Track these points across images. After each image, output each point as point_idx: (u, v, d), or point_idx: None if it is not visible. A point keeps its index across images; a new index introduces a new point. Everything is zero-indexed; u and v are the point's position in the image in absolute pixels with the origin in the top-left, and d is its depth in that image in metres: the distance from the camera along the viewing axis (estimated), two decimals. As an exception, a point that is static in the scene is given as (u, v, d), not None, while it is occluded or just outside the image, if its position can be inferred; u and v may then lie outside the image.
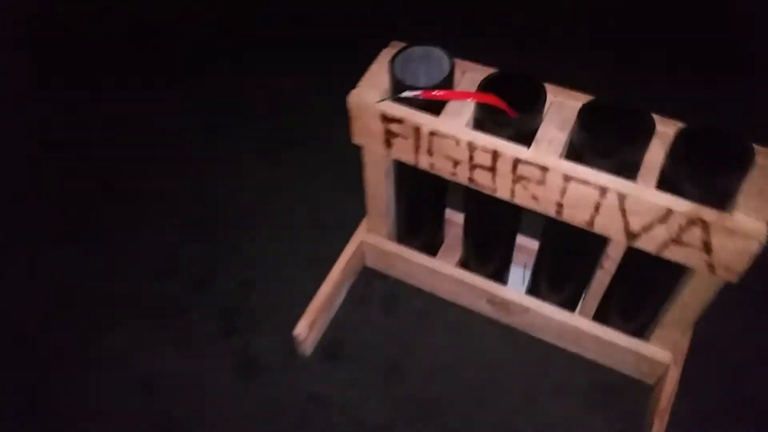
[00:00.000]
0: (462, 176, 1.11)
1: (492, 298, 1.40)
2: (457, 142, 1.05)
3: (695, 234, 0.96)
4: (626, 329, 1.31)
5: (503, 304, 1.39)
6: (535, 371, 1.38)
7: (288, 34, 2.14)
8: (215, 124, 1.88)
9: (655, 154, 1.01)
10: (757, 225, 0.92)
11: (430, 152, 1.10)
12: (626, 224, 1.02)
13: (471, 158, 1.07)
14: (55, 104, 1.96)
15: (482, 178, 1.09)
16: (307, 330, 1.36)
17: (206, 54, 2.09)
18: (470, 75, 1.14)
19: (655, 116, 1.02)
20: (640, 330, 1.30)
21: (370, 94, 1.10)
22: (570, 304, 1.37)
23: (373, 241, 1.46)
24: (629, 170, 1.00)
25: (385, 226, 1.41)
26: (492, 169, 1.06)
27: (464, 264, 1.44)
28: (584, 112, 0.99)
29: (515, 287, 1.45)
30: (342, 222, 1.56)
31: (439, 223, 1.44)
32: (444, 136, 1.05)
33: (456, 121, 1.07)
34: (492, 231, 1.31)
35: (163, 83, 2.00)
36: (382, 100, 1.07)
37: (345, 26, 2.13)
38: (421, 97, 1.05)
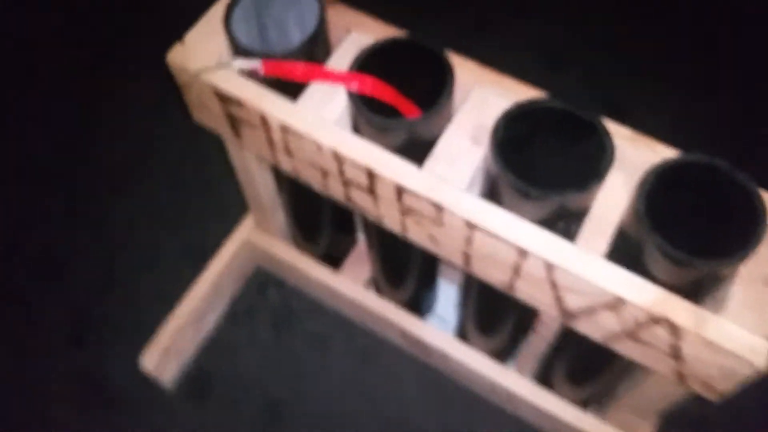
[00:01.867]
0: (335, 192, 0.75)
1: (406, 334, 1.04)
2: (318, 146, 0.68)
3: (659, 335, 0.60)
4: (573, 397, 0.96)
5: (421, 344, 1.04)
6: (455, 423, 1.04)
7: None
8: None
9: (613, 196, 0.64)
10: (752, 343, 0.55)
11: (288, 152, 0.73)
12: (558, 300, 0.65)
13: (341, 172, 0.69)
14: None
15: (362, 200, 0.72)
16: (158, 359, 1.03)
17: None
18: (359, 36, 0.75)
19: (620, 129, 0.64)
20: (592, 401, 0.95)
21: (202, 53, 0.72)
22: (505, 354, 1.02)
23: (261, 241, 1.10)
24: (570, 219, 0.63)
25: (273, 223, 1.05)
26: (371, 192, 0.69)
27: (375, 282, 1.09)
28: (508, 118, 0.61)
29: (441, 317, 1.10)
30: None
31: (344, 222, 1.08)
32: (299, 135, 0.68)
33: (320, 111, 0.70)
34: (405, 251, 0.94)
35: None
36: (206, 69, 0.70)
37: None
38: (261, 73, 0.67)
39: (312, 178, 0.76)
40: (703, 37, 1.46)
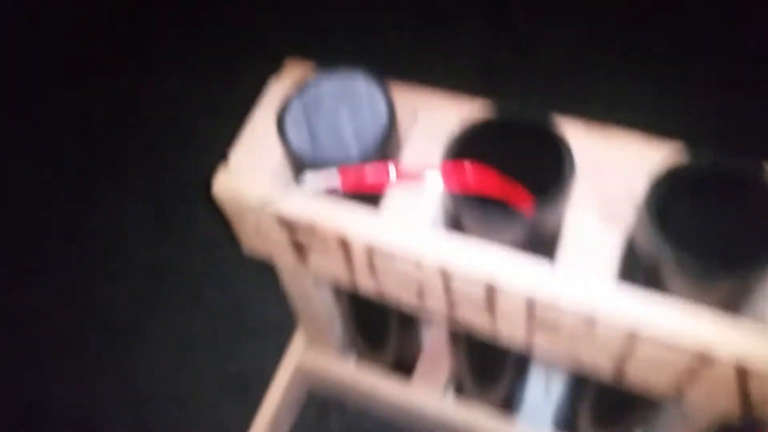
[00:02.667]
0: (436, 311, 0.62)
1: (502, 442, 0.90)
2: (418, 264, 0.55)
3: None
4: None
5: (520, 451, 0.89)
6: None
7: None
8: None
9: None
10: None
11: (372, 273, 0.60)
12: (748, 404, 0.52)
13: (448, 290, 0.56)
14: None
15: (473, 315, 0.59)
16: None
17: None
18: (428, 119, 0.63)
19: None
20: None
21: (250, 178, 0.60)
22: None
23: (316, 361, 0.96)
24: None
25: (329, 338, 0.91)
26: (489, 309, 0.56)
27: (458, 382, 0.95)
28: (660, 186, 0.50)
29: (533, 406, 0.96)
30: (279, 318, 1.07)
31: (411, 326, 0.94)
32: (392, 253, 0.55)
33: (409, 219, 0.57)
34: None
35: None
36: (269, 199, 0.57)
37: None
38: (337, 188, 0.55)
39: (403, 299, 0.62)
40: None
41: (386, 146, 0.58)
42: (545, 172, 0.55)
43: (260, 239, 0.64)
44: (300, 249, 0.62)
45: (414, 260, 0.55)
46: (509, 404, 0.91)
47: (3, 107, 1.47)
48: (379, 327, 0.87)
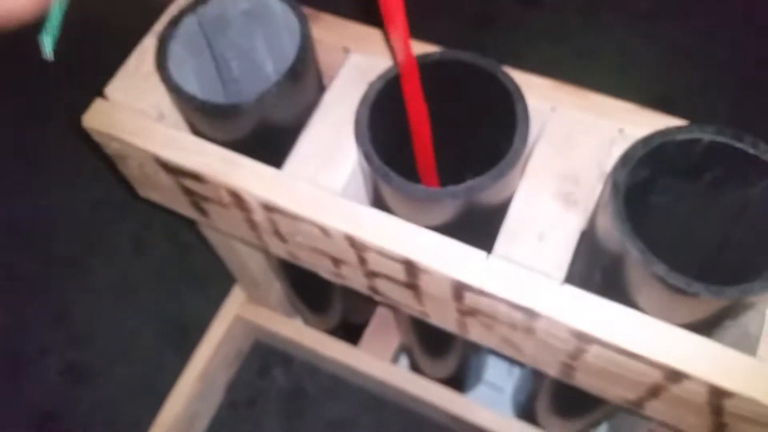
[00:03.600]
0: (355, 282, 0.51)
1: (455, 418, 0.81)
2: (324, 231, 0.43)
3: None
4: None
5: (475, 429, 0.81)
6: None
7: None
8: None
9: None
10: None
11: (279, 236, 0.49)
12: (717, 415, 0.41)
13: (363, 261, 0.45)
14: None
15: (397, 295, 0.48)
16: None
17: None
18: (362, 57, 0.50)
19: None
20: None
21: (133, 110, 0.48)
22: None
23: (256, 317, 0.86)
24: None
25: (269, 297, 0.81)
26: (412, 287, 0.45)
27: (409, 352, 0.85)
28: (631, 165, 0.38)
29: (492, 385, 0.87)
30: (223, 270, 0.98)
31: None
32: (292, 215, 0.44)
33: (318, 181, 0.45)
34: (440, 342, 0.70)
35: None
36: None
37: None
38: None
39: (318, 266, 0.51)
40: None
41: (296, 80, 0.45)
42: (493, 133, 0.43)
43: (150, 186, 0.53)
44: (196, 201, 0.51)
45: (319, 226, 0.44)
46: (464, 380, 0.82)
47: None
48: (320, 292, 0.77)
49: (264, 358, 0.95)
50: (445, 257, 0.41)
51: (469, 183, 0.39)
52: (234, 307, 0.87)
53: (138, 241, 1.06)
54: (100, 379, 0.96)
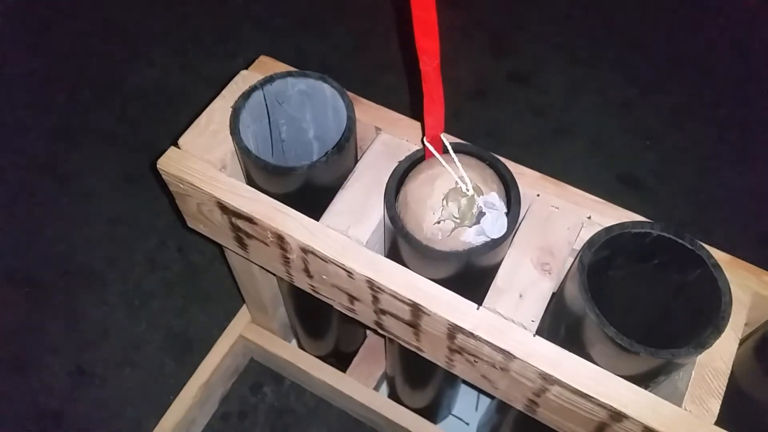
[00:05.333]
0: (364, 317, 0.62)
1: (427, 444, 0.91)
2: (349, 274, 0.55)
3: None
4: None
5: (442, 455, 0.91)
6: None
7: None
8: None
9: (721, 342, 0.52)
10: None
11: (308, 273, 0.60)
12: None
13: (376, 300, 0.56)
14: None
15: (400, 331, 0.60)
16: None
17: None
18: (389, 137, 0.62)
19: (716, 252, 0.53)
20: None
21: (200, 160, 0.59)
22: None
23: (257, 338, 0.97)
24: (669, 371, 0.51)
25: (272, 320, 0.92)
26: (414, 326, 0.57)
27: (391, 382, 0.95)
28: (595, 247, 0.50)
29: (460, 420, 0.97)
30: (231, 289, 1.09)
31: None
32: (325, 259, 0.55)
33: (347, 232, 0.57)
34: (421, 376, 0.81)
35: None
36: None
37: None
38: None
39: (335, 300, 0.62)
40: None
41: (346, 146, 0.57)
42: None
43: (203, 219, 0.63)
44: (240, 236, 0.62)
45: (346, 269, 0.55)
46: (435, 412, 0.92)
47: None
48: (320, 321, 0.87)
49: (257, 376, 1.05)
50: (445, 304, 0.52)
51: (471, 248, 0.50)
52: (239, 326, 0.97)
53: (152, 259, 1.16)
54: (105, 382, 1.05)
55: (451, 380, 0.86)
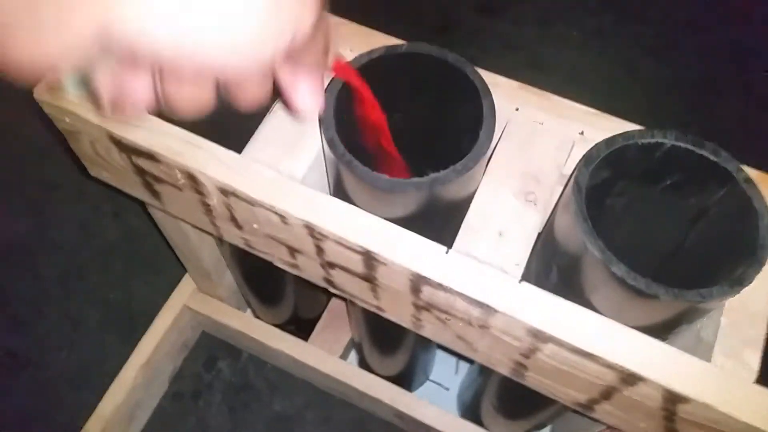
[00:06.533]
0: (311, 273, 0.50)
1: (400, 414, 0.81)
2: (283, 219, 0.42)
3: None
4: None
5: (420, 426, 0.80)
6: None
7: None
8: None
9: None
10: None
11: (235, 222, 0.48)
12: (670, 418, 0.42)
13: (321, 251, 0.44)
14: None
15: (354, 288, 0.48)
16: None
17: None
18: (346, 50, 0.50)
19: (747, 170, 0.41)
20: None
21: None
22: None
23: (205, 308, 0.85)
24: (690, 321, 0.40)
25: (218, 288, 0.80)
26: (369, 280, 0.45)
27: (359, 349, 0.85)
28: (593, 167, 0.38)
29: (439, 384, 0.87)
30: (173, 258, 0.96)
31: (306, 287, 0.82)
32: (250, 200, 0.43)
33: (278, 168, 0.45)
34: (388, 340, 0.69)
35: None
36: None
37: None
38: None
39: (273, 256, 0.50)
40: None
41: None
42: (457, 129, 0.43)
43: (104, 164, 0.51)
44: (149, 182, 0.49)
45: (278, 213, 0.43)
46: (411, 378, 0.82)
47: None
48: (273, 284, 0.75)
49: (210, 351, 0.94)
50: (405, 249, 0.41)
51: (434, 175, 0.38)
52: (183, 296, 0.85)
53: (86, 225, 1.03)
54: (40, 366, 0.92)
55: (425, 343, 0.75)
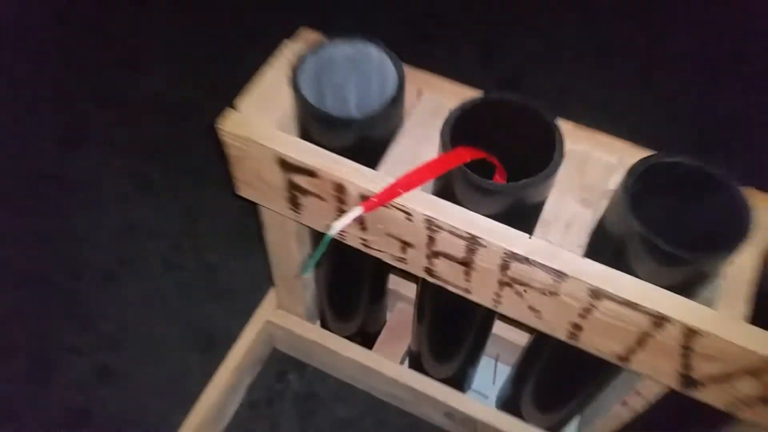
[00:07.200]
0: (414, 265, 0.67)
1: (451, 412, 0.96)
2: (409, 216, 0.60)
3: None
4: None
5: (468, 423, 0.95)
6: None
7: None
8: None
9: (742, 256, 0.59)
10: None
11: (362, 225, 0.65)
12: (687, 366, 0.59)
13: (431, 242, 0.62)
14: None
15: (449, 274, 0.65)
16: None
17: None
18: (432, 97, 0.69)
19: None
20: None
21: (261, 121, 0.64)
22: (559, 427, 0.94)
23: (284, 322, 1.00)
24: (702, 281, 0.57)
25: (300, 303, 0.96)
26: (465, 264, 0.62)
27: (414, 358, 1.00)
28: (636, 177, 0.56)
29: (479, 393, 1.02)
30: (248, 285, 1.12)
31: (377, 299, 0.99)
32: (389, 205, 0.60)
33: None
34: (459, 321, 0.86)
35: None
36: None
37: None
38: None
39: (386, 252, 0.68)
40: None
41: (390, 114, 0.63)
42: (539, 154, 0.61)
43: (256, 183, 0.68)
44: (295, 195, 0.67)
45: (406, 212, 0.60)
46: (457, 386, 0.97)
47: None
48: (349, 299, 0.92)
49: (280, 365, 1.08)
50: (501, 235, 0.58)
51: (525, 180, 0.56)
52: (265, 313, 1.01)
53: (167, 259, 1.19)
54: (129, 379, 1.07)
55: (477, 350, 0.91)
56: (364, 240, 0.68)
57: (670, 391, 0.67)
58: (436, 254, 0.63)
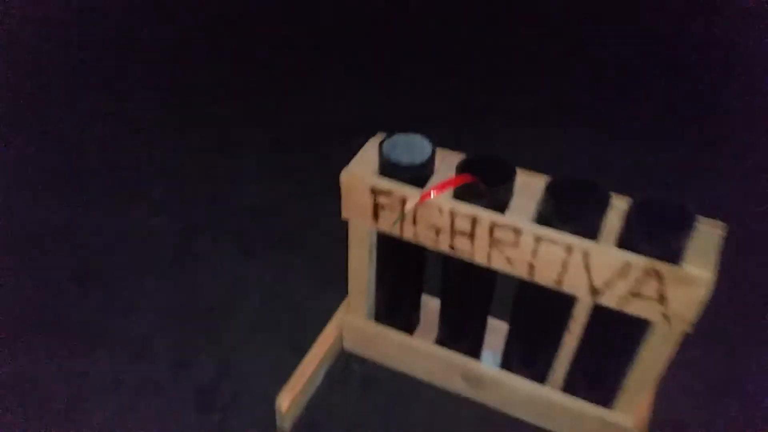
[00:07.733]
0: (443, 244, 1.24)
1: (467, 373, 1.48)
2: (440, 210, 1.19)
3: (651, 286, 1.10)
4: (593, 398, 1.40)
5: (478, 379, 1.47)
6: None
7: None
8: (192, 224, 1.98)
9: (612, 223, 1.17)
10: (704, 273, 1.06)
11: (414, 221, 1.23)
12: (590, 280, 1.15)
13: (452, 225, 1.20)
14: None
15: (462, 244, 1.22)
16: (287, 403, 1.41)
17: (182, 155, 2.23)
18: (448, 160, 1.29)
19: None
20: (606, 398, 1.38)
21: (361, 171, 1.25)
22: (540, 378, 1.46)
23: (353, 321, 1.54)
24: (590, 235, 1.15)
25: (365, 305, 1.50)
26: (471, 235, 1.20)
27: (440, 343, 1.53)
28: (551, 186, 1.15)
29: (488, 361, 1.54)
30: (323, 311, 1.65)
31: (416, 303, 1.54)
32: (428, 205, 1.19)
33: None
34: (467, 307, 1.42)
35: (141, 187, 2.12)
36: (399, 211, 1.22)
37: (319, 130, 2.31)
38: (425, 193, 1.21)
39: (426, 237, 1.25)
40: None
41: (427, 166, 1.24)
42: (503, 178, 1.21)
43: (354, 206, 1.27)
44: (376, 209, 1.26)
45: (437, 207, 1.19)
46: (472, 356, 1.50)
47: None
48: (398, 300, 1.48)
49: (347, 359, 1.61)
50: (487, 214, 1.17)
51: (497, 187, 1.17)
52: (338, 319, 1.56)
53: (230, 291, 1.75)
54: (244, 367, 1.58)
55: (484, 312, 1.46)
56: (415, 233, 1.26)
57: (593, 311, 1.21)
58: (454, 233, 1.21)
